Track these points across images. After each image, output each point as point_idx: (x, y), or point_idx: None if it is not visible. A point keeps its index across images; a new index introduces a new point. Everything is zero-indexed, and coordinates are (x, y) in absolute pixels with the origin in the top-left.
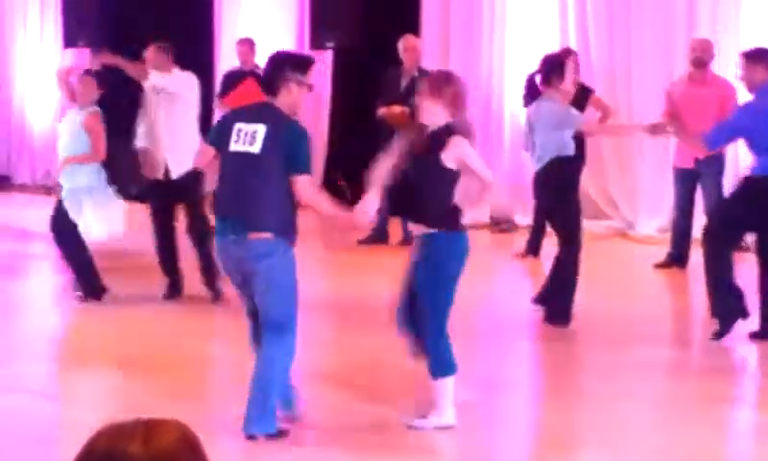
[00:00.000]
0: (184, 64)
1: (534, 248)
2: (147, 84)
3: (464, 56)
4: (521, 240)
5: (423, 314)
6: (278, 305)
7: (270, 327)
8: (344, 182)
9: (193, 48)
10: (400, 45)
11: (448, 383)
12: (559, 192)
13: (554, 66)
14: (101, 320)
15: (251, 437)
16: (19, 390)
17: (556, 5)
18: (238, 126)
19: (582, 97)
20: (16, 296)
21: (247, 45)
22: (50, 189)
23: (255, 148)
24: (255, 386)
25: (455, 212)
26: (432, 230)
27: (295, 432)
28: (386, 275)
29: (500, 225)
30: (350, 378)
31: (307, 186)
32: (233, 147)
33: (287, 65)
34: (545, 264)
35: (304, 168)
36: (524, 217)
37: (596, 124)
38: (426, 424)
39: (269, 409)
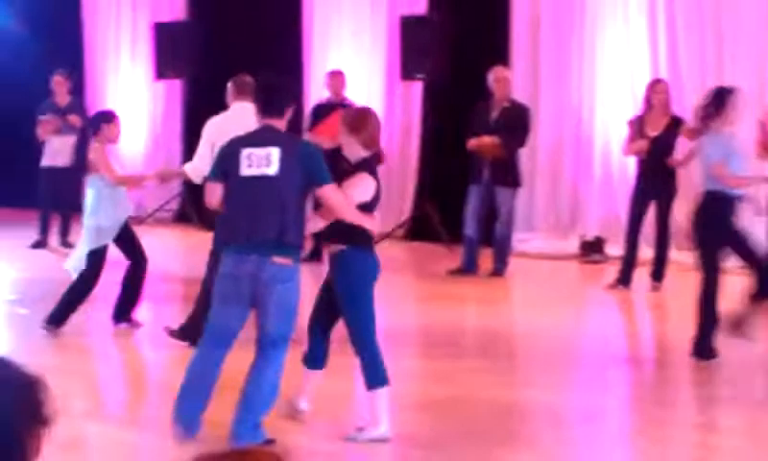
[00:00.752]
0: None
1: (625, 278)
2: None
3: (554, 85)
4: (613, 271)
5: (352, 329)
6: (284, 324)
7: (269, 342)
8: (433, 211)
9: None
10: (490, 76)
11: (383, 394)
12: (715, 226)
13: (721, 99)
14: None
15: None
16: (105, 418)
17: (646, 33)
18: (247, 151)
19: (674, 127)
20: (95, 324)
21: (338, 77)
22: (140, 220)
23: (272, 170)
24: (246, 405)
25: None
26: (343, 247)
27: None
28: (474, 305)
29: (590, 255)
30: (439, 408)
31: (334, 193)
32: (246, 172)
33: (290, 89)
34: (635, 296)
35: (328, 177)
36: (615, 248)
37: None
38: (362, 436)
39: (258, 425)
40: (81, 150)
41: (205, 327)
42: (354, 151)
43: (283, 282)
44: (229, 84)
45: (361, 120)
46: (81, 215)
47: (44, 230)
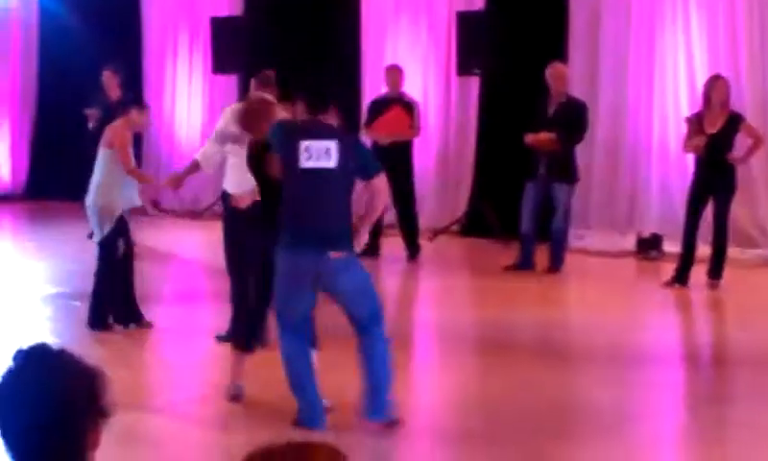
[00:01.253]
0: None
1: (682, 276)
2: None
3: (612, 81)
4: (670, 268)
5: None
6: (369, 302)
7: (372, 321)
8: (489, 207)
9: (340, 75)
10: (547, 72)
11: None
12: None
13: None
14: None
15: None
16: (161, 412)
17: (706, 30)
18: (305, 143)
19: (733, 124)
20: (162, 320)
21: (396, 72)
22: (197, 214)
23: (332, 163)
24: (377, 376)
25: None
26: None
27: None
28: (530, 302)
29: (647, 252)
30: (494, 403)
31: (385, 182)
32: (305, 164)
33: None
34: (693, 294)
35: (380, 168)
36: (672, 245)
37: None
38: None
39: (389, 400)
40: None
41: (281, 324)
42: None
43: (346, 271)
44: (252, 80)
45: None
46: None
47: None
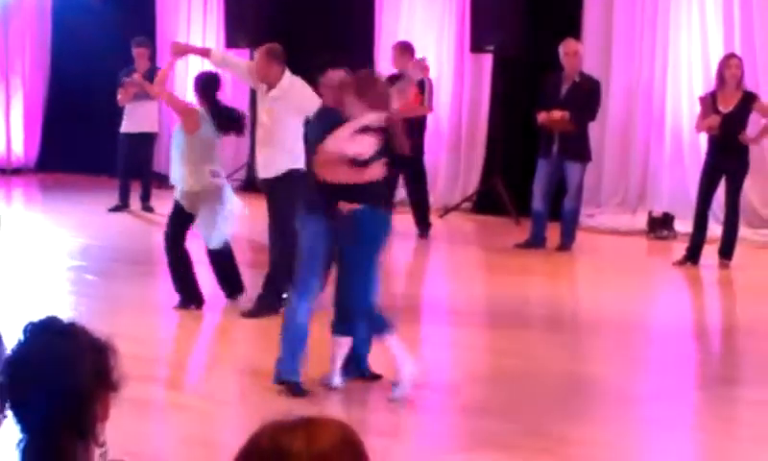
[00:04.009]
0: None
1: (694, 255)
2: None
3: (625, 59)
4: (681, 248)
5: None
6: None
7: None
8: (501, 185)
9: (353, 50)
10: (561, 50)
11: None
12: None
13: None
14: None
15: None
16: (171, 384)
17: (721, 8)
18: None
19: (746, 103)
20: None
21: (404, 49)
22: None
23: None
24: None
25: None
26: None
27: (449, 438)
28: (541, 279)
29: (659, 231)
30: (505, 381)
31: None
32: None
33: None
34: (704, 273)
35: None
36: (684, 224)
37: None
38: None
39: None
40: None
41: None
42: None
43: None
44: (259, 52)
45: (370, 83)
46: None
47: (124, 196)
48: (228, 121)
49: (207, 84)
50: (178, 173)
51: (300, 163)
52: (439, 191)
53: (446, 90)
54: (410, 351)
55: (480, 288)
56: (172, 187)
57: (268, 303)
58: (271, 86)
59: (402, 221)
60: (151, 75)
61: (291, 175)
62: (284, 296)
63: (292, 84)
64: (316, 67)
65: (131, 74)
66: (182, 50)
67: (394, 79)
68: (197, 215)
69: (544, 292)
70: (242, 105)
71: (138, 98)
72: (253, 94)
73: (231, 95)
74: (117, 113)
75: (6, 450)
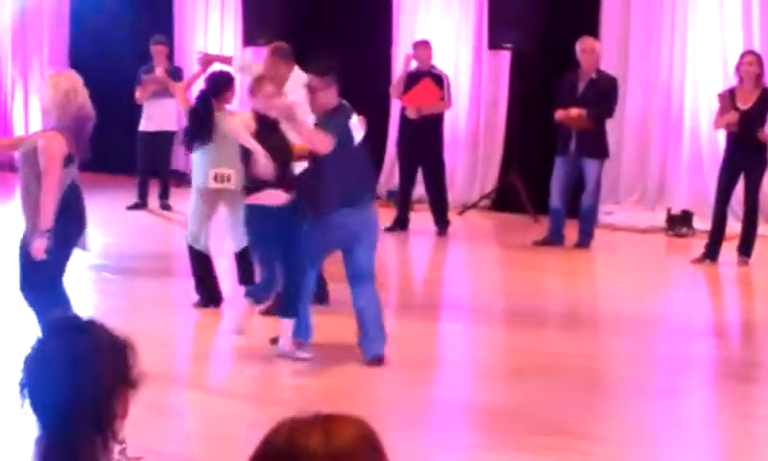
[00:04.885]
0: (363, 64)
1: (712, 253)
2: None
3: (643, 56)
4: (700, 245)
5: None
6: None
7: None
8: (519, 182)
9: (371, 48)
10: (578, 47)
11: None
12: None
13: None
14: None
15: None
16: (189, 383)
17: (739, 5)
18: (351, 122)
19: (765, 100)
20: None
21: (425, 47)
22: None
23: (361, 134)
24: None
25: None
26: None
27: (468, 435)
28: (559, 277)
29: (677, 229)
30: (522, 377)
31: None
32: (356, 140)
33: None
34: (723, 270)
35: None
36: (703, 221)
37: None
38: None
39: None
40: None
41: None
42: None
43: (374, 221)
44: (269, 51)
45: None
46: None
47: (143, 194)
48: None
49: (215, 86)
50: (199, 172)
51: None
52: (457, 189)
53: (464, 88)
54: (427, 347)
55: (498, 286)
56: (190, 185)
57: None
58: (279, 86)
59: (421, 219)
60: (169, 73)
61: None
62: None
63: (296, 83)
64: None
65: (150, 72)
66: (210, 60)
67: (415, 76)
68: (214, 214)
69: (563, 289)
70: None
71: (157, 96)
72: None
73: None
74: (136, 112)
75: (23, 447)
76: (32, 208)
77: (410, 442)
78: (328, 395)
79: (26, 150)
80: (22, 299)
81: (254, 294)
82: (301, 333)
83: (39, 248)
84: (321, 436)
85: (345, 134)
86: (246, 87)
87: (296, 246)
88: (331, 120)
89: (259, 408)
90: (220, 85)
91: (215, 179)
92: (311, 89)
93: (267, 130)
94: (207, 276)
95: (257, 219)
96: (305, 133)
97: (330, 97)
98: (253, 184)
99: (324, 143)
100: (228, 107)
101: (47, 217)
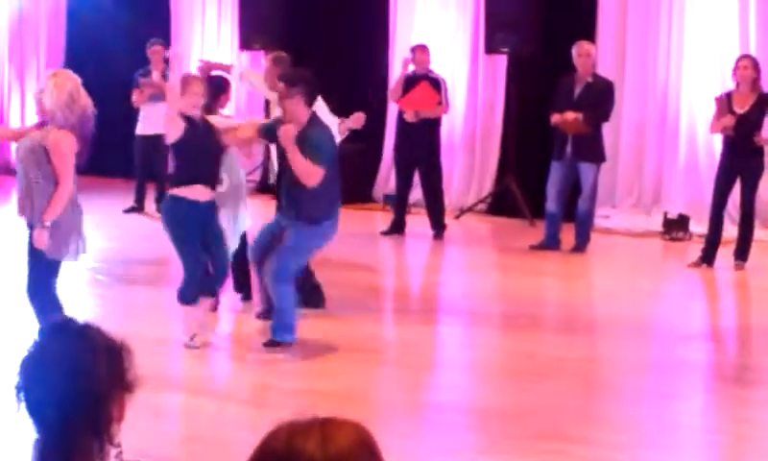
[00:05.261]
0: (360, 68)
1: (709, 257)
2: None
3: (640, 60)
4: (696, 249)
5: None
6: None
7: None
8: (515, 186)
9: (368, 52)
10: (574, 51)
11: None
12: None
13: None
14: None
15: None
16: (185, 386)
17: (736, 8)
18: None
19: (762, 104)
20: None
21: (423, 51)
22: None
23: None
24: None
25: None
26: None
27: (464, 439)
28: (555, 281)
29: (674, 233)
30: (519, 381)
31: None
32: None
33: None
34: (719, 274)
35: None
36: (699, 225)
37: None
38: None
39: None
40: None
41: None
42: None
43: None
44: (268, 59)
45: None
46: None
47: (140, 197)
48: None
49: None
50: None
51: None
52: (453, 192)
53: (461, 92)
54: (424, 351)
55: (495, 289)
56: None
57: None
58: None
59: (417, 222)
60: (166, 77)
61: None
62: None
63: None
64: None
65: (147, 75)
66: (210, 68)
67: (412, 79)
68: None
69: (559, 293)
70: (258, 114)
71: (154, 100)
72: (267, 105)
73: (246, 105)
74: (133, 115)
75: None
76: (38, 204)
77: (407, 445)
78: (325, 398)
79: (31, 145)
80: (28, 302)
81: (180, 295)
82: (289, 331)
83: (41, 238)
84: (318, 440)
85: (333, 150)
86: (246, 95)
87: (213, 236)
88: (320, 138)
89: (256, 411)
90: (214, 90)
91: None
92: (279, 96)
93: (196, 129)
94: (245, 271)
95: (180, 211)
96: (298, 164)
97: (297, 107)
98: (182, 178)
99: (314, 177)
100: (222, 111)
101: (55, 211)
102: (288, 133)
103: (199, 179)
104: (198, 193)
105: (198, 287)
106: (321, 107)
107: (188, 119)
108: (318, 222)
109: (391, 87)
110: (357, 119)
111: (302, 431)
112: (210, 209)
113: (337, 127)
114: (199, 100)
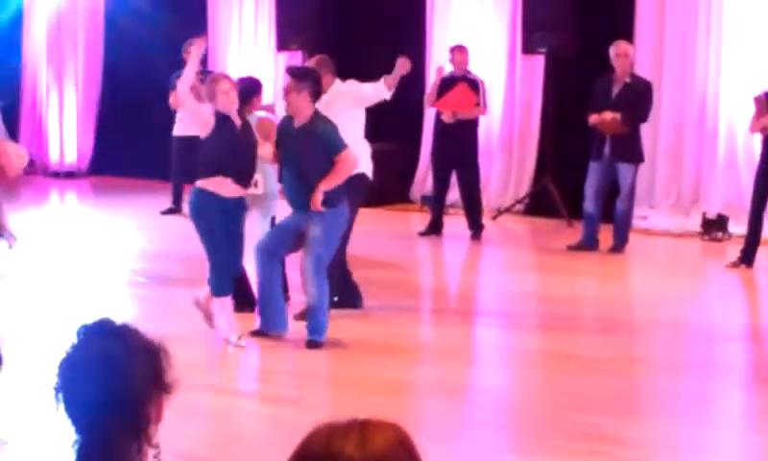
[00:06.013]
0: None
1: (748, 257)
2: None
3: (678, 60)
4: (735, 249)
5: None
6: None
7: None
8: (553, 187)
9: (404, 51)
10: (612, 51)
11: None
12: None
13: None
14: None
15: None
16: (223, 388)
17: None
18: None
19: None
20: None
21: (461, 52)
22: None
23: None
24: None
25: None
26: None
27: (502, 440)
28: (593, 281)
29: (713, 233)
30: (556, 382)
31: None
32: None
33: None
34: (758, 275)
35: None
36: (738, 226)
37: None
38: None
39: None
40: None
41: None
42: None
43: None
44: (312, 61)
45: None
46: None
47: (177, 199)
48: None
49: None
50: None
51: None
52: (491, 193)
53: (498, 92)
54: (461, 352)
55: (532, 290)
56: None
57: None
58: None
59: (455, 222)
60: (202, 78)
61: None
62: (335, 299)
63: (335, 94)
64: None
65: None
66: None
67: (450, 80)
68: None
69: (597, 294)
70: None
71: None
72: None
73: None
74: (169, 117)
75: (62, 450)
76: None
77: (444, 446)
78: (362, 398)
79: None
80: None
81: (212, 286)
82: (280, 325)
83: None
84: (357, 442)
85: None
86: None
87: (234, 235)
88: (329, 129)
89: (291, 413)
90: (246, 92)
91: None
92: (284, 90)
93: (230, 127)
94: (241, 281)
95: (205, 203)
96: (340, 177)
97: (303, 102)
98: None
99: (351, 162)
100: (256, 113)
101: None
102: (317, 205)
103: (227, 175)
104: (225, 189)
105: (230, 278)
106: (357, 118)
107: (222, 116)
108: (335, 204)
109: (426, 94)
110: (403, 65)
111: (341, 433)
112: (238, 208)
113: (383, 83)
114: (229, 98)
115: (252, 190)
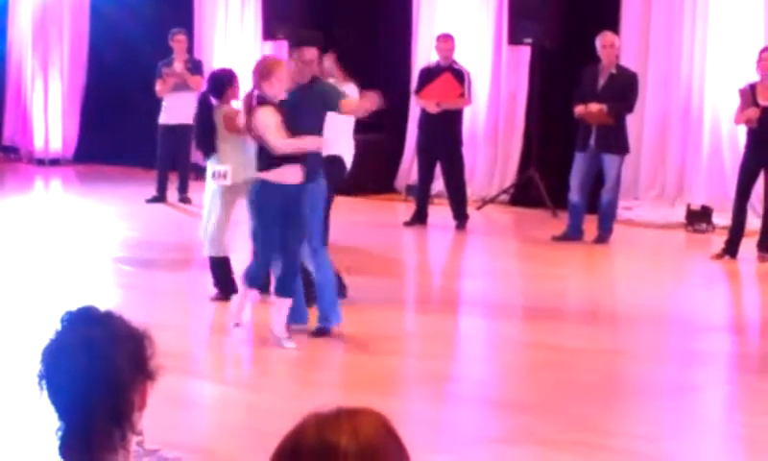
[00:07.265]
0: (383, 58)
1: (732, 249)
2: None
3: (663, 52)
4: (719, 241)
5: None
6: None
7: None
8: (538, 177)
9: (391, 43)
10: (598, 42)
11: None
12: None
13: None
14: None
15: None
16: (206, 375)
17: (761, 0)
18: None
19: None
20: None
21: (447, 41)
22: None
23: None
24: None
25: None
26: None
27: (486, 430)
28: (578, 272)
29: (697, 225)
30: (540, 374)
31: None
32: None
33: None
34: (742, 266)
35: None
36: (722, 217)
37: None
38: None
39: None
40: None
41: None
42: None
43: None
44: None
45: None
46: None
47: (162, 187)
48: None
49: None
50: None
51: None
52: (476, 183)
53: (484, 82)
54: (446, 343)
55: (517, 281)
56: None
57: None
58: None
59: (439, 212)
60: (189, 66)
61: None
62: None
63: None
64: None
65: (170, 65)
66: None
67: (435, 70)
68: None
69: (582, 285)
70: None
71: (176, 89)
72: None
73: None
74: (155, 105)
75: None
76: None
77: (428, 436)
78: (346, 388)
79: None
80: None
81: (248, 277)
82: (299, 317)
83: None
84: (350, 432)
85: None
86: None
87: (297, 225)
88: (329, 88)
89: (276, 400)
90: (220, 84)
91: (213, 176)
92: (288, 55)
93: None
94: (226, 272)
95: (265, 196)
96: (355, 110)
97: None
98: (271, 160)
99: (369, 99)
100: (233, 103)
101: None
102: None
103: (288, 159)
104: (288, 175)
105: (293, 278)
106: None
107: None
108: (314, 179)
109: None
110: (371, 99)
111: (332, 424)
112: (299, 193)
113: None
114: (282, 85)
115: (220, 181)
